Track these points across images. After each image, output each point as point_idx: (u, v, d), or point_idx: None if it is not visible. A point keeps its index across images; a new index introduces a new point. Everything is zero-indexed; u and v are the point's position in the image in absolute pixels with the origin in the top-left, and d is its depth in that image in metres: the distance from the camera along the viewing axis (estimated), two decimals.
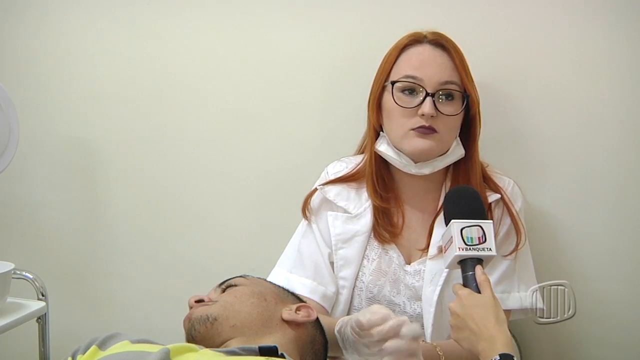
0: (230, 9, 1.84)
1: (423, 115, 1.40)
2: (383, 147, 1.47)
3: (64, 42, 1.98)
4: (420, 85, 1.41)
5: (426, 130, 1.41)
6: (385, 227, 1.49)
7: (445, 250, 1.26)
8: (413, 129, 1.41)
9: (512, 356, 1.09)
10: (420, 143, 1.42)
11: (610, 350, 1.69)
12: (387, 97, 1.45)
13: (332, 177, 1.55)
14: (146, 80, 1.93)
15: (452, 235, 1.23)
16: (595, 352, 1.70)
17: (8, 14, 2.01)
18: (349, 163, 1.56)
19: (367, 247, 1.50)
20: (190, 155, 1.93)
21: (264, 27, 1.82)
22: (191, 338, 1.21)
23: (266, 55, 1.83)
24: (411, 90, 1.42)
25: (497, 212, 1.46)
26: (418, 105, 1.41)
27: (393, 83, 1.43)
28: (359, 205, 1.51)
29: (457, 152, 1.47)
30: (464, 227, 1.23)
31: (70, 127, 2.01)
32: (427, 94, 1.40)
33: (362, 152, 1.58)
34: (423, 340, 1.37)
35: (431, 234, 1.47)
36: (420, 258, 1.48)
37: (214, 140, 1.90)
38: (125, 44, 1.93)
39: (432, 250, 1.45)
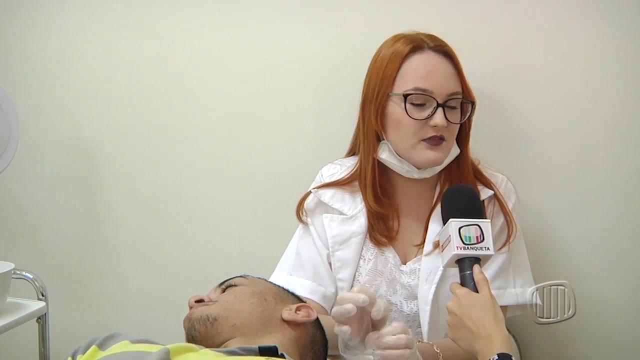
0: (229, 10, 1.83)
1: (436, 126, 1.40)
2: (385, 155, 1.46)
3: (63, 42, 1.98)
4: (431, 97, 1.40)
5: (437, 141, 1.41)
6: (381, 232, 1.49)
7: (443, 249, 1.26)
8: (423, 140, 1.41)
9: (510, 355, 1.09)
10: (431, 155, 1.42)
11: (610, 350, 1.69)
12: (393, 108, 1.43)
13: (327, 180, 1.55)
14: (146, 81, 1.93)
15: (450, 234, 1.22)
16: (595, 352, 1.70)
17: (7, 14, 2.01)
18: (343, 166, 1.56)
19: (363, 247, 1.50)
20: (190, 156, 1.93)
21: (262, 29, 1.82)
22: (191, 338, 1.21)
23: (265, 56, 1.82)
24: (420, 102, 1.41)
25: (490, 208, 1.46)
26: (429, 116, 1.40)
27: (405, 96, 1.41)
28: (353, 206, 1.51)
29: (454, 152, 1.47)
30: (462, 226, 1.23)
31: (70, 127, 2.01)
32: (437, 105, 1.40)
33: (353, 154, 1.58)
34: (420, 340, 1.36)
35: (426, 230, 1.47)
36: (415, 257, 1.48)
37: (214, 140, 1.90)
38: (125, 44, 1.93)
39: (428, 246, 1.46)
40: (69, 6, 1.96)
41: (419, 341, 1.35)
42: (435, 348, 1.32)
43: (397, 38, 1.46)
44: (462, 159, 1.48)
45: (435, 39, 1.44)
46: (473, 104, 1.45)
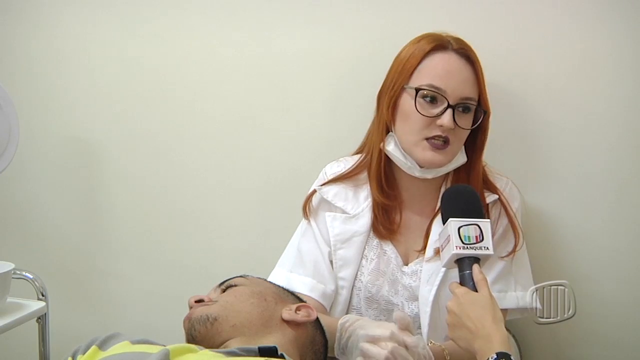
0: (233, 8, 1.83)
1: (442, 126, 1.40)
2: (391, 147, 1.47)
3: (63, 42, 1.98)
4: (443, 96, 1.40)
5: (440, 145, 1.41)
6: (384, 224, 1.49)
7: (443, 249, 1.26)
8: (428, 138, 1.41)
9: (509, 355, 1.09)
10: (431, 156, 1.42)
11: (611, 350, 1.69)
12: (406, 100, 1.44)
13: (330, 178, 1.55)
14: (147, 80, 1.93)
15: (450, 234, 1.23)
16: (595, 352, 1.70)
17: (7, 14, 2.01)
18: (347, 163, 1.56)
19: (366, 247, 1.50)
20: (190, 156, 1.93)
21: (267, 27, 1.81)
22: (191, 338, 1.21)
23: (269, 56, 1.82)
24: (432, 99, 1.41)
25: (494, 212, 1.47)
26: (438, 115, 1.40)
27: (417, 90, 1.41)
28: (357, 205, 1.51)
29: (460, 159, 1.47)
30: (461, 226, 1.23)
31: (70, 127, 2.01)
32: (448, 106, 1.40)
33: (360, 152, 1.58)
34: (432, 342, 1.36)
35: (428, 235, 1.47)
36: (417, 259, 1.48)
37: (214, 140, 1.90)
38: (125, 44, 1.93)
39: (429, 251, 1.46)
40: (70, 6, 1.96)
41: (431, 342, 1.35)
42: (445, 355, 1.32)
43: (423, 36, 1.47)
44: (472, 169, 1.48)
45: (460, 42, 1.45)
46: (485, 113, 1.45)
